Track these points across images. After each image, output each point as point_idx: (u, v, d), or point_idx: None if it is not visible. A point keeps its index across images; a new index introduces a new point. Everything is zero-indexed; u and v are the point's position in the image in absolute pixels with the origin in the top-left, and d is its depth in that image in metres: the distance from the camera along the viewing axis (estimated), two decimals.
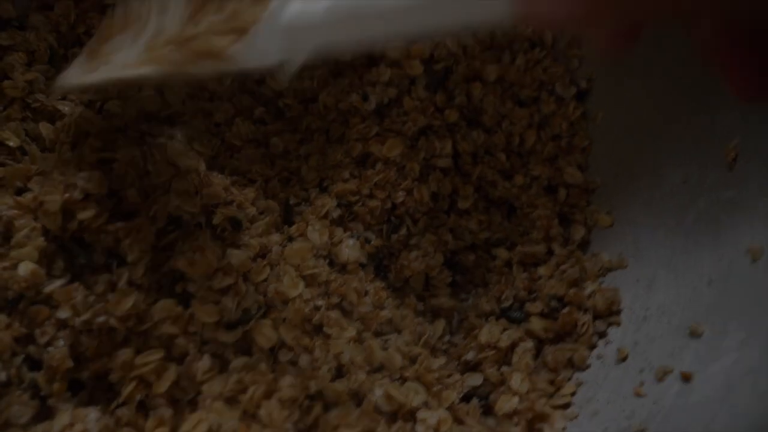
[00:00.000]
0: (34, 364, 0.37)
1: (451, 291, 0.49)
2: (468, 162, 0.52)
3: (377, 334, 0.42)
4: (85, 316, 0.36)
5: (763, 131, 0.40)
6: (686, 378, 0.37)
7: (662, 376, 0.38)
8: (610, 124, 0.51)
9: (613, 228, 0.49)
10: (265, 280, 0.40)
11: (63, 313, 0.37)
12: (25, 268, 0.37)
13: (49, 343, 0.37)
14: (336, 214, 0.47)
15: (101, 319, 0.37)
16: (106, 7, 0.48)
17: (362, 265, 0.44)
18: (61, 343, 0.36)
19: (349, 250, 0.43)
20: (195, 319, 0.38)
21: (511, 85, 0.52)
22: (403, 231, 0.49)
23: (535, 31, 0.52)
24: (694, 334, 0.38)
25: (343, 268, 0.43)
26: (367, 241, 0.46)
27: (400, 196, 0.49)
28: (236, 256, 0.40)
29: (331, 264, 0.42)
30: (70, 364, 0.36)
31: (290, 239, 0.41)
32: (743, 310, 0.37)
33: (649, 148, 0.47)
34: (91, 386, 0.38)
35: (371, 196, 0.49)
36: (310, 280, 0.40)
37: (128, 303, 0.37)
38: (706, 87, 0.44)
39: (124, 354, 0.37)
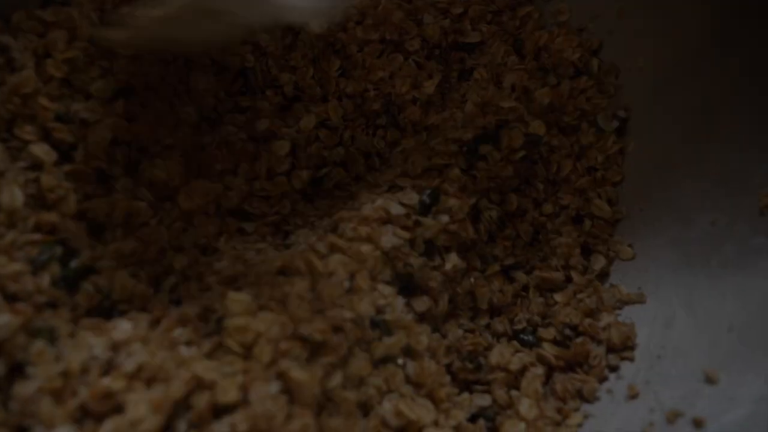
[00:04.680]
0: None
1: (472, 314, 0.48)
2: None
3: None
4: None
5: None
6: (698, 424, 0.36)
7: (673, 419, 0.38)
8: (641, 156, 0.50)
9: (634, 261, 0.48)
10: None
11: None
12: None
13: None
14: None
15: None
16: None
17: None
18: None
19: None
20: None
21: (554, 110, 0.51)
22: (437, 260, 0.47)
23: (581, 58, 0.52)
24: (710, 381, 0.38)
25: None
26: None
27: None
28: None
29: None
30: None
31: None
32: (763, 361, 0.36)
33: (678, 186, 0.47)
34: None
35: None
36: None
37: None
38: (741, 129, 0.44)
39: None
